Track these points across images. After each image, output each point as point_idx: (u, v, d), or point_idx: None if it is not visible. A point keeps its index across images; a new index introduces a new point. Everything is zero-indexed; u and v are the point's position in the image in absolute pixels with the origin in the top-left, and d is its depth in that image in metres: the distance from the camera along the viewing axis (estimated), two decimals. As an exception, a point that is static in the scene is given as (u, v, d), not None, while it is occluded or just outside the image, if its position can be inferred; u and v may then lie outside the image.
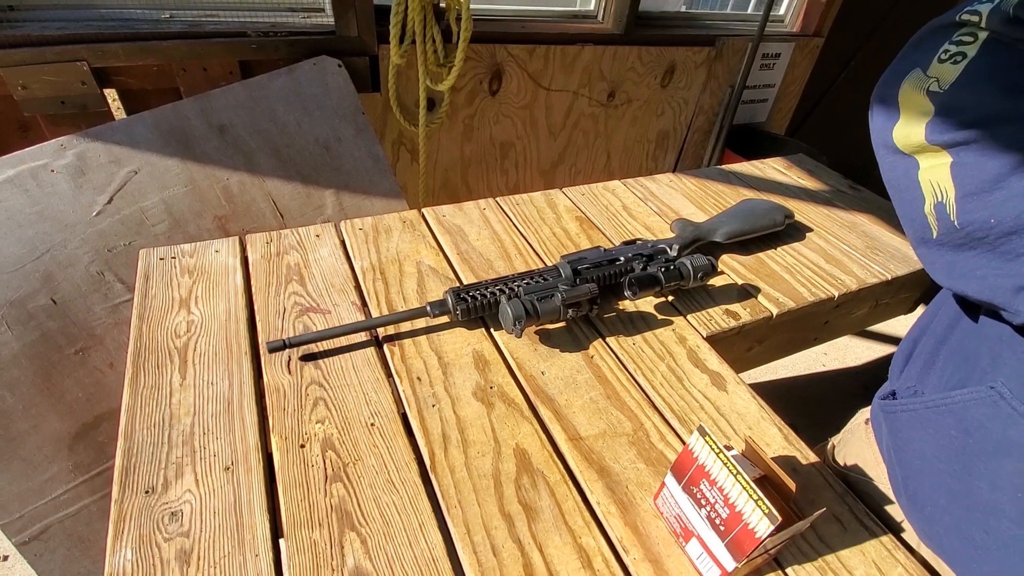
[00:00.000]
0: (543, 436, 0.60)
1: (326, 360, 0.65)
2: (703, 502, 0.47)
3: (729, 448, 0.54)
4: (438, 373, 0.65)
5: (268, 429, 0.57)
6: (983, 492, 0.48)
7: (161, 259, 0.76)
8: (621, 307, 0.78)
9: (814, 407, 1.75)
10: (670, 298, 0.81)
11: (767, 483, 0.51)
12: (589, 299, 0.69)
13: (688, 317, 0.78)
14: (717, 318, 0.79)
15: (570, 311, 0.68)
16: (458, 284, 0.79)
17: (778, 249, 0.96)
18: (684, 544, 0.51)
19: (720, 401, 0.67)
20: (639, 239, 0.87)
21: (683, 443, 0.61)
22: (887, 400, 0.58)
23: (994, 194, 0.41)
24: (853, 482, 0.65)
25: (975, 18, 0.43)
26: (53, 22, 1.14)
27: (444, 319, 0.72)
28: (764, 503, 0.41)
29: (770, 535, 0.41)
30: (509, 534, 0.51)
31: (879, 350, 2.05)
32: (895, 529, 0.60)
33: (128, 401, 0.58)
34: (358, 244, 0.83)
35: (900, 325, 0.67)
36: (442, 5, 1.26)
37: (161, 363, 0.62)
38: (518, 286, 0.71)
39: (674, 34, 1.69)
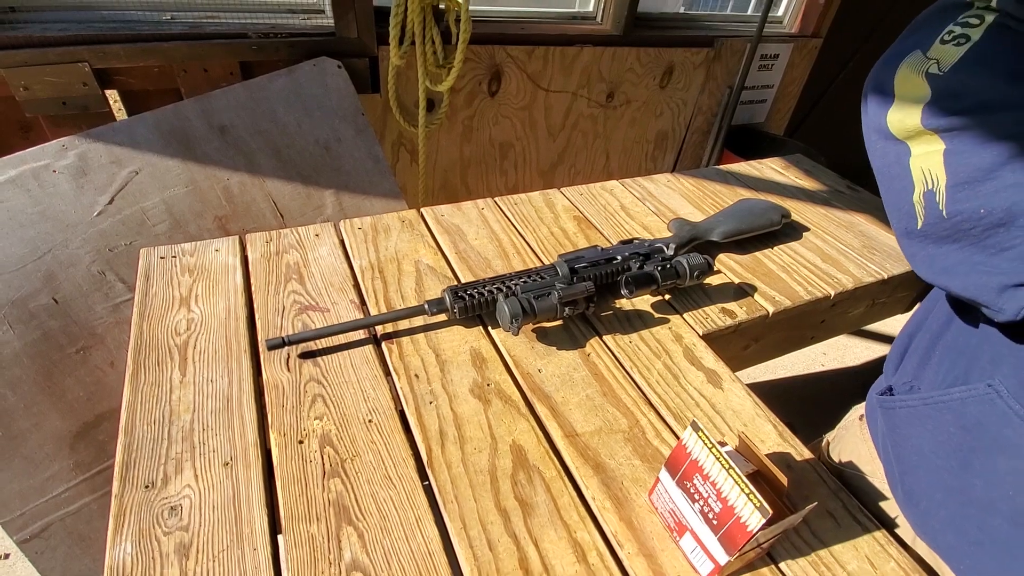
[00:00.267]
0: (539, 433, 0.60)
1: (325, 358, 0.65)
2: (696, 496, 0.48)
3: (723, 444, 0.55)
4: (436, 370, 0.66)
5: (267, 425, 0.58)
6: (979, 489, 0.48)
7: (162, 258, 0.77)
8: (618, 306, 0.79)
9: (812, 406, 1.76)
10: (667, 297, 0.82)
11: (760, 478, 0.51)
12: (585, 297, 0.69)
13: (685, 315, 0.79)
14: (713, 316, 0.80)
15: (567, 309, 0.68)
16: (456, 283, 0.79)
17: (775, 248, 0.96)
18: (678, 539, 0.52)
19: (715, 398, 0.67)
20: (636, 238, 0.88)
21: (678, 439, 0.62)
22: (884, 396, 0.58)
23: (986, 184, 0.40)
24: (847, 478, 0.65)
25: None
26: (55, 23, 1.14)
27: (442, 317, 0.72)
28: (755, 497, 0.42)
29: (761, 528, 0.42)
30: (505, 529, 0.51)
31: (878, 350, 2.05)
32: (889, 525, 0.61)
33: (129, 398, 0.59)
34: (357, 243, 0.83)
35: (898, 324, 0.67)
36: (441, 7, 1.26)
37: (161, 360, 0.63)
38: (515, 285, 0.71)
39: (672, 35, 1.69)
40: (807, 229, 1.03)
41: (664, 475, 0.52)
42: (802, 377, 1.94)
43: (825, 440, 0.74)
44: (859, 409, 0.69)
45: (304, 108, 1.22)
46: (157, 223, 1.12)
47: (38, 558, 1.08)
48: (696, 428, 0.47)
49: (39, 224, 1.05)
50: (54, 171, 1.07)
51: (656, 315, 0.78)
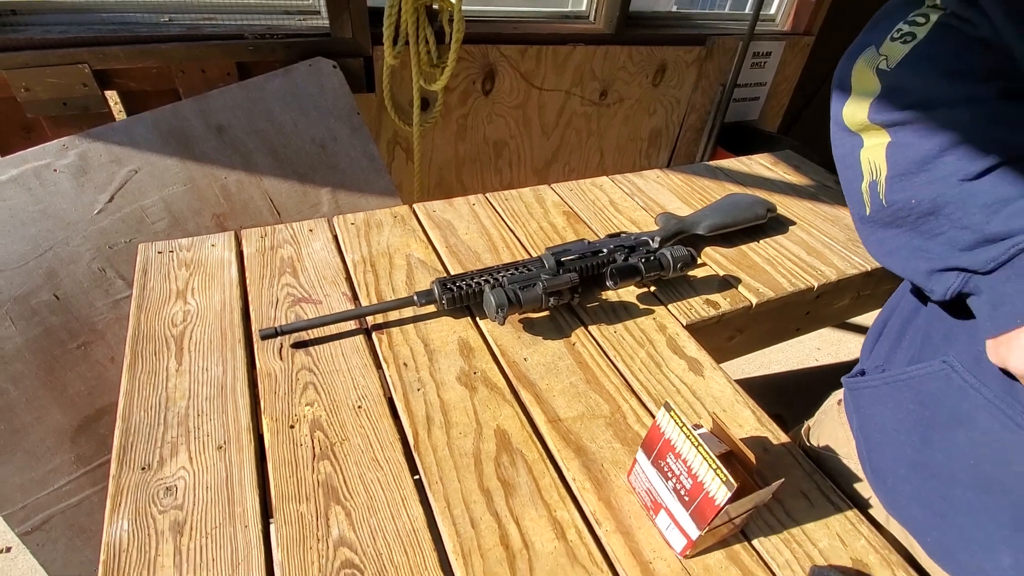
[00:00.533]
0: (523, 418, 0.62)
1: (316, 347, 0.67)
2: (669, 475, 0.50)
3: (699, 427, 0.57)
4: (424, 359, 0.68)
5: (260, 411, 0.60)
6: (940, 462, 0.50)
7: (159, 252, 0.79)
8: (604, 297, 0.81)
9: (801, 399, 1.77)
10: (652, 289, 0.83)
11: (732, 458, 0.53)
12: (570, 288, 0.71)
13: (669, 307, 0.81)
14: (697, 307, 0.81)
15: (552, 299, 0.70)
16: (445, 275, 0.81)
17: (760, 242, 0.98)
18: (654, 517, 0.53)
19: (696, 385, 0.69)
20: (623, 232, 0.90)
21: (653, 420, 0.64)
22: (853, 378, 0.60)
23: (919, 176, 0.43)
24: (824, 460, 0.67)
25: None
26: (55, 25, 1.17)
27: (431, 308, 0.74)
28: (722, 471, 0.44)
29: (728, 501, 0.44)
30: (487, 508, 0.53)
31: (872, 345, 2.06)
32: (862, 505, 0.62)
33: (126, 385, 0.61)
34: (350, 238, 0.85)
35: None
36: (435, 7, 1.29)
37: (158, 350, 0.65)
38: (502, 276, 0.73)
39: (665, 34, 1.71)
40: (793, 223, 1.05)
41: (640, 456, 0.54)
42: (795, 372, 1.95)
43: (806, 426, 0.75)
44: (838, 394, 0.71)
45: (300, 107, 1.24)
46: (156, 221, 1.14)
47: (39, 550, 1.10)
48: (668, 409, 0.49)
49: (40, 222, 1.07)
50: (55, 170, 1.10)
51: (641, 306, 0.80)
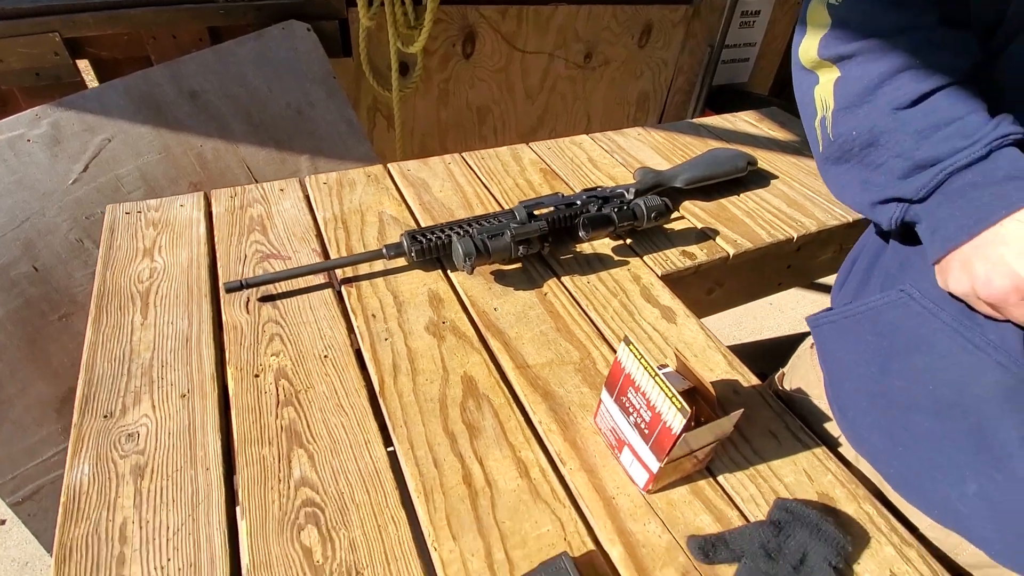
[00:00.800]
0: (491, 365, 0.62)
1: (284, 301, 0.67)
2: (631, 410, 0.49)
3: (664, 366, 0.56)
4: (393, 311, 0.67)
5: (225, 362, 0.60)
6: (899, 390, 0.50)
7: (127, 213, 0.78)
8: (578, 250, 0.80)
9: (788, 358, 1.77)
10: (628, 241, 0.83)
11: (696, 395, 0.53)
12: (540, 236, 0.71)
13: (645, 258, 0.80)
14: (673, 258, 0.81)
15: (521, 248, 0.70)
16: (418, 231, 0.80)
17: (741, 196, 0.97)
18: (618, 454, 0.53)
19: (669, 332, 0.69)
20: (600, 187, 0.88)
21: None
22: (815, 315, 0.60)
23: (862, 107, 0.43)
24: (796, 403, 0.67)
25: None
26: (23, -7, 1.14)
27: (402, 262, 0.74)
28: (677, 399, 0.43)
29: (684, 429, 0.44)
30: (451, 449, 0.53)
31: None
32: (832, 444, 0.62)
33: (91, 338, 0.61)
34: (322, 197, 0.84)
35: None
36: (410, -34, 1.26)
37: (123, 305, 0.65)
38: (472, 227, 0.72)
39: (650, -7, 1.68)
40: (775, 177, 1.04)
41: (604, 394, 0.53)
42: (787, 336, 1.95)
43: (780, 372, 0.75)
44: (811, 338, 0.71)
45: (274, 72, 1.22)
46: (132, 190, 1.13)
47: (30, 520, 1.11)
48: (628, 343, 0.48)
49: (16, 193, 1.06)
50: (28, 140, 1.08)
51: (616, 258, 0.79)
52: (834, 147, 0.46)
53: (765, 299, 2.11)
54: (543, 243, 0.72)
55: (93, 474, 0.49)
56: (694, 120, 1.21)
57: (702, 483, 0.53)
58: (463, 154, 0.99)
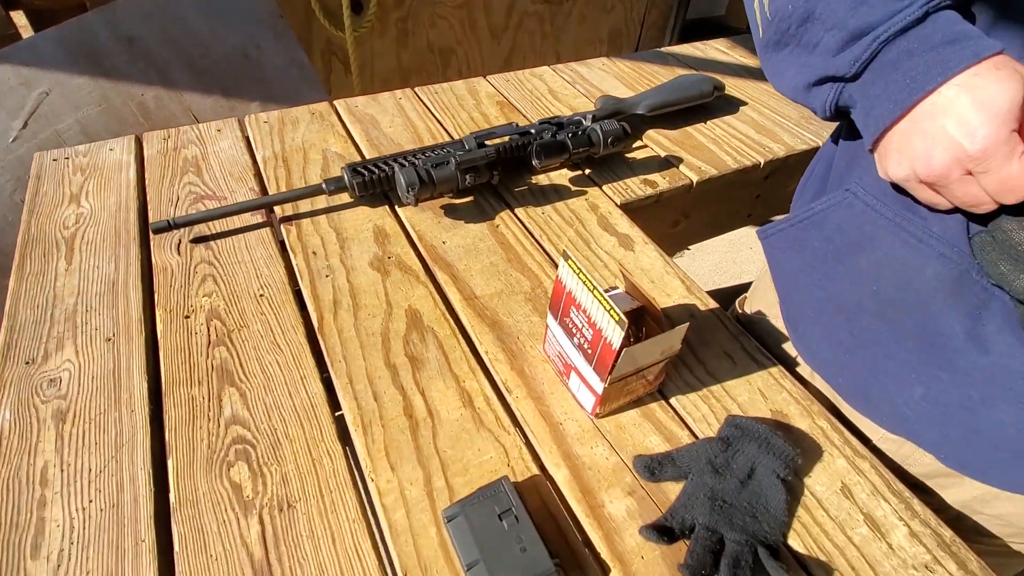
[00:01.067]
0: (437, 297, 0.60)
1: (218, 242, 0.63)
2: (574, 330, 0.47)
3: (614, 288, 0.54)
4: (335, 247, 0.64)
5: (154, 305, 0.57)
6: (845, 293, 0.48)
7: (54, 160, 0.74)
8: (534, 181, 0.77)
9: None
10: (587, 171, 0.79)
11: (645, 314, 0.51)
12: (488, 164, 0.67)
13: (604, 187, 0.77)
14: (634, 187, 0.78)
15: (468, 177, 0.66)
16: (365, 168, 0.76)
17: (707, 123, 0.93)
18: (567, 380, 0.52)
19: (626, 259, 0.66)
20: (558, 116, 0.84)
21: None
22: (764, 226, 0.57)
23: None
24: (755, 324, 0.65)
25: None
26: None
27: (346, 198, 0.70)
28: (615, 312, 0.41)
29: (624, 343, 0.42)
30: (392, 382, 0.51)
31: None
32: (790, 364, 0.61)
33: (13, 287, 0.57)
34: (262, 136, 0.80)
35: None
36: None
37: (47, 252, 0.61)
38: (417, 158, 0.69)
39: (619, -81, 1.59)
40: (745, 104, 1.00)
41: (550, 318, 0.51)
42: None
43: (742, 297, 0.73)
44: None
45: (216, 14, 1.14)
46: (73, 145, 1.07)
47: None
48: (567, 257, 0.46)
49: (-52, 151, 1.00)
50: (-42, 96, 1.02)
51: (573, 188, 0.76)
52: (772, 28, 0.42)
53: (745, 244, 2.09)
54: (492, 172, 0.68)
55: (14, 419, 0.46)
56: (662, 49, 1.16)
57: (653, 406, 0.52)
58: (415, 89, 0.94)
